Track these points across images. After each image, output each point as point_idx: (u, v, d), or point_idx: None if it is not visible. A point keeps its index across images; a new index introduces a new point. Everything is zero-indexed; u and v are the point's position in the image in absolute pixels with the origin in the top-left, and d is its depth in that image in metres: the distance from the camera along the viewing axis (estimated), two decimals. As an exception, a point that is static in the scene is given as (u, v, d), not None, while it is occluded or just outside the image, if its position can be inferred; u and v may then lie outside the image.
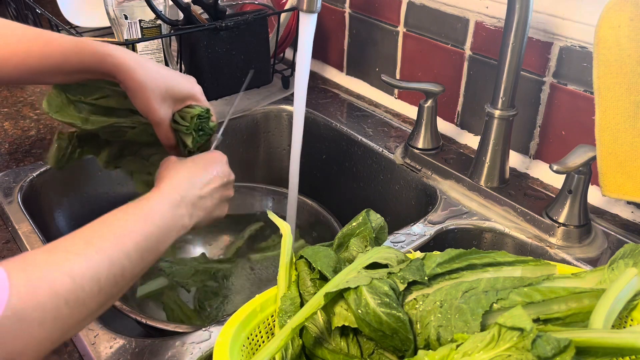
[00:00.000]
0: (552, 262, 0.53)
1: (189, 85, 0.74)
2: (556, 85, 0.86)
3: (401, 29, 1.08)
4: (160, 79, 0.70)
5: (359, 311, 0.48)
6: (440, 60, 1.02)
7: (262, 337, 0.55)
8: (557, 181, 0.88)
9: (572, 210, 0.75)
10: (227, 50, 1.00)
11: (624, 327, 0.49)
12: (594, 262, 0.73)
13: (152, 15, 1.00)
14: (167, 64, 1.06)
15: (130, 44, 1.00)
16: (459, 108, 1.02)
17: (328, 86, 1.23)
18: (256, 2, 1.12)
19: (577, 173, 0.73)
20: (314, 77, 1.26)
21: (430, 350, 0.44)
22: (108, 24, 1.04)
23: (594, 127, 0.72)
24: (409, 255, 0.58)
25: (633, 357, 0.46)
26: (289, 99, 1.16)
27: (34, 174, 0.90)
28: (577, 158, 0.71)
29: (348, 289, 0.49)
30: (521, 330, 0.38)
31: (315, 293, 0.52)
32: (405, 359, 0.48)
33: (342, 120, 1.09)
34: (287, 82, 1.19)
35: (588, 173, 0.73)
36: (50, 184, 0.92)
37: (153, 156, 0.80)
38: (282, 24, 1.15)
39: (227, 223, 1.07)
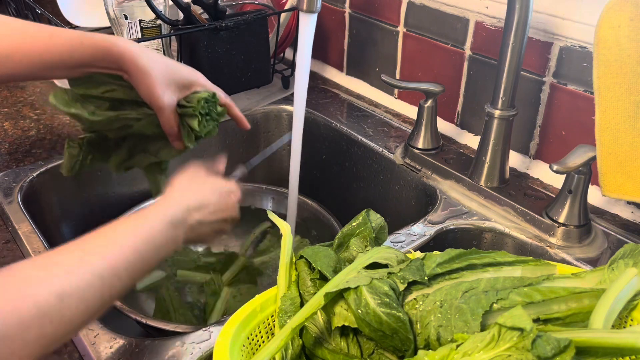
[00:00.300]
0: (552, 262, 0.53)
1: (192, 72, 0.74)
2: (556, 85, 0.86)
3: (401, 29, 1.08)
4: (163, 65, 0.70)
5: (359, 311, 0.48)
6: (440, 60, 1.02)
7: (262, 337, 0.55)
8: (557, 181, 0.88)
9: (572, 210, 0.75)
10: (227, 50, 1.00)
11: (624, 327, 0.49)
12: (594, 262, 0.73)
13: (152, 15, 1.00)
14: (167, 64, 1.06)
15: (130, 44, 1.00)
16: (459, 108, 1.02)
17: (328, 86, 1.23)
18: (256, 2, 1.12)
19: (577, 173, 0.73)
20: (314, 77, 1.26)
21: (430, 350, 0.44)
22: (108, 24, 1.04)
23: (594, 127, 0.72)
24: (409, 255, 0.58)
25: (633, 357, 0.46)
26: (289, 99, 1.16)
27: (34, 174, 0.90)
28: (577, 158, 0.71)
29: (348, 289, 0.49)
30: (521, 330, 0.38)
31: (315, 293, 0.52)
32: (405, 359, 0.48)
33: (342, 120, 1.09)
34: (287, 82, 1.19)
35: (588, 173, 0.73)
36: (50, 184, 0.92)
37: (161, 151, 0.80)
38: (282, 24, 1.15)
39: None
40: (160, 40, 1.03)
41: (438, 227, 0.80)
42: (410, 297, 0.50)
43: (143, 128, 0.77)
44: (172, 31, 0.97)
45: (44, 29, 0.70)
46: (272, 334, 0.55)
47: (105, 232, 0.54)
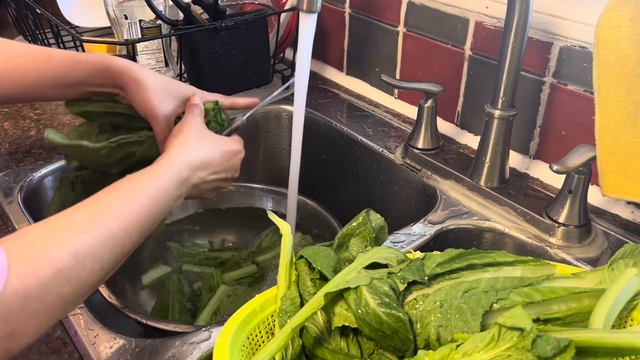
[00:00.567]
0: (552, 262, 0.53)
1: (190, 87, 0.75)
2: (556, 85, 0.86)
3: (401, 29, 1.08)
4: (160, 78, 0.72)
5: (359, 311, 0.48)
6: (440, 60, 1.02)
7: (262, 337, 0.55)
8: (557, 181, 0.88)
9: (572, 210, 0.75)
10: (227, 50, 1.00)
11: (624, 327, 0.49)
12: (594, 262, 0.73)
13: (152, 15, 1.00)
14: (167, 64, 1.06)
15: (130, 44, 1.00)
16: (459, 108, 1.02)
17: (328, 86, 1.23)
18: (256, 2, 1.12)
19: (577, 173, 0.73)
20: (314, 77, 1.26)
21: (430, 350, 0.44)
22: (108, 24, 1.04)
23: (594, 127, 0.72)
24: (409, 255, 0.58)
25: (633, 357, 0.46)
26: (289, 99, 1.16)
27: (34, 174, 0.90)
28: (577, 158, 0.71)
29: (348, 289, 0.49)
30: (521, 330, 0.38)
31: (315, 293, 0.52)
32: (405, 359, 0.48)
33: (342, 120, 1.09)
34: (287, 82, 1.19)
35: (588, 173, 0.73)
36: (50, 184, 0.92)
37: None
38: (282, 24, 1.15)
39: (230, 222, 1.08)
40: (160, 40, 1.03)
41: (438, 227, 0.80)
42: (410, 297, 0.50)
43: (146, 151, 0.75)
44: (172, 31, 0.97)
45: (40, 50, 0.72)
46: (272, 334, 0.55)
47: (115, 190, 0.56)
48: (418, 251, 0.67)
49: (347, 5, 1.17)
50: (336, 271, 0.54)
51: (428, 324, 0.48)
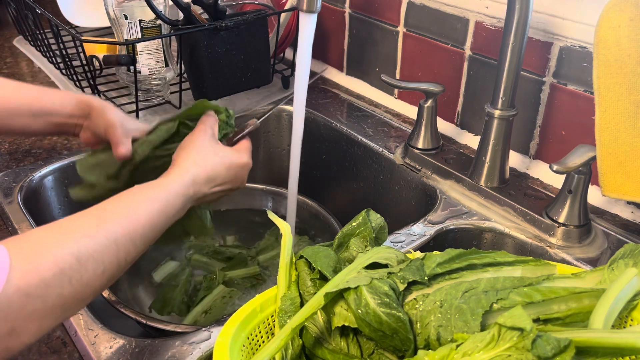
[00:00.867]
0: (552, 262, 0.53)
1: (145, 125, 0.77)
2: (556, 85, 0.86)
3: (401, 29, 1.08)
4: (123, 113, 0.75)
5: (359, 311, 0.48)
6: (440, 60, 1.02)
7: (262, 337, 0.55)
8: (557, 181, 0.88)
9: (572, 210, 0.75)
10: (227, 50, 1.00)
11: (624, 327, 0.49)
12: (594, 262, 0.73)
13: (152, 15, 1.00)
14: (167, 64, 1.06)
15: (130, 44, 1.00)
16: (459, 108, 1.02)
17: (328, 86, 1.23)
18: (256, 2, 1.12)
19: (577, 173, 0.73)
20: (314, 77, 1.26)
21: (430, 350, 0.44)
22: (108, 24, 1.04)
23: (594, 127, 0.72)
24: (409, 255, 0.58)
25: (633, 357, 0.46)
26: (289, 99, 1.16)
27: (34, 174, 0.90)
28: (577, 158, 0.71)
29: (348, 289, 0.49)
30: (521, 330, 0.38)
31: (315, 293, 0.52)
32: (405, 359, 0.48)
33: (342, 120, 1.09)
34: (287, 82, 1.19)
35: (588, 173, 0.73)
36: (50, 184, 0.92)
37: None
38: (282, 24, 1.15)
39: (230, 222, 1.08)
40: (160, 40, 1.03)
41: (438, 227, 0.80)
42: (410, 297, 0.50)
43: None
44: (172, 31, 0.97)
45: (12, 81, 0.76)
46: (272, 334, 0.55)
47: (123, 199, 0.57)
48: (418, 251, 0.67)
49: (347, 5, 1.17)
50: (336, 271, 0.54)
51: (428, 324, 0.48)
